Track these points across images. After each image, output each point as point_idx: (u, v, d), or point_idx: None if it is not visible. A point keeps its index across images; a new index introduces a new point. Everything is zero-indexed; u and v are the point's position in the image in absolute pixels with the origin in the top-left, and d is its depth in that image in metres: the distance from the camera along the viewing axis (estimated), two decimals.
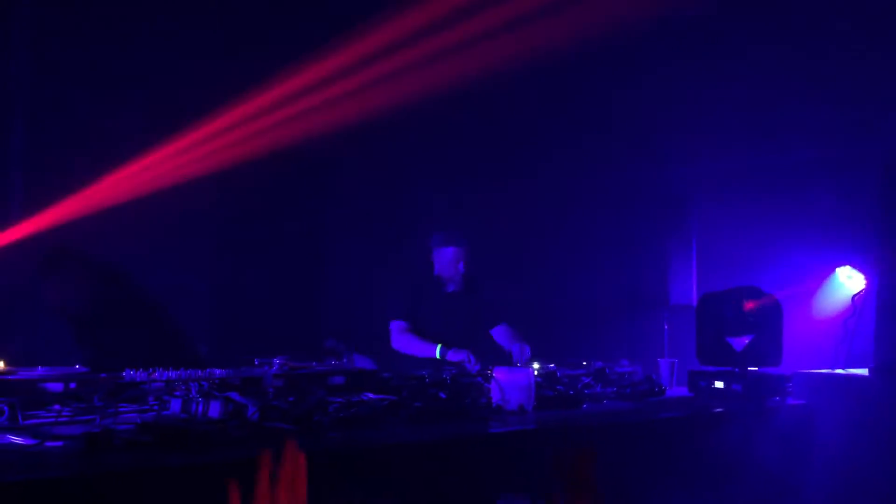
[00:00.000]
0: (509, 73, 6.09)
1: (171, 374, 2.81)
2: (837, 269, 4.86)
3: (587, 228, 6.10)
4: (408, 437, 2.66)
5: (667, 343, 5.34)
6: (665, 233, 5.82)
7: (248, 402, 2.50)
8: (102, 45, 5.30)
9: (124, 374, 2.78)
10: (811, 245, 5.06)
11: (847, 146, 5.09)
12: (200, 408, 2.48)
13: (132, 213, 5.30)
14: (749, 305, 3.78)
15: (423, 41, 5.82)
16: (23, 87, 5.31)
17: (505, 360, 4.15)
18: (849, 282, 4.80)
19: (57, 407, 2.63)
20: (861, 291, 4.62)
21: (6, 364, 2.96)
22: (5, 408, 2.45)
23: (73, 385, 2.71)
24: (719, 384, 3.74)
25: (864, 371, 4.12)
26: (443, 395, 3.00)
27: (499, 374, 3.14)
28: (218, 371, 2.88)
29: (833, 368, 4.37)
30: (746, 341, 3.80)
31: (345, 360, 4.18)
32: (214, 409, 2.47)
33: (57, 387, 2.69)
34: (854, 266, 4.77)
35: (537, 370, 3.48)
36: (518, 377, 3.13)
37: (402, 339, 4.46)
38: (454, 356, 4.18)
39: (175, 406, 2.57)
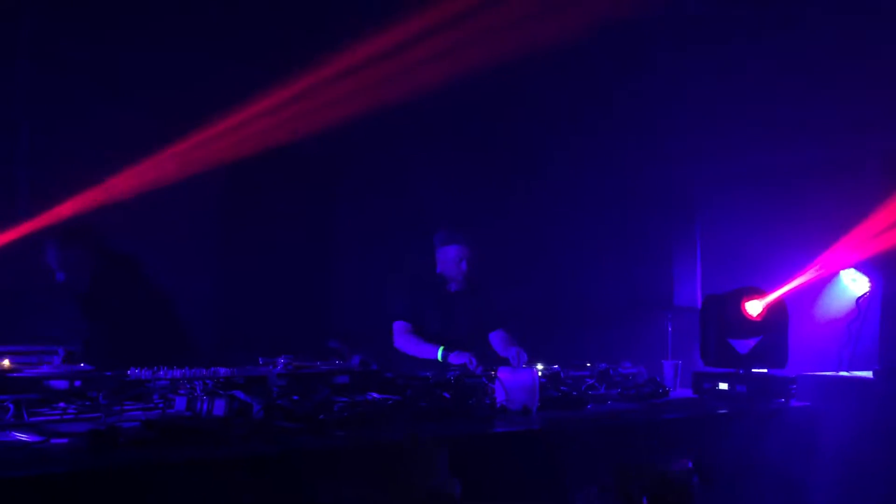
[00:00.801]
0: (513, 71, 6.10)
1: (176, 372, 2.82)
2: (842, 272, 4.86)
3: (591, 229, 6.09)
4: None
5: (671, 344, 5.33)
6: (669, 234, 5.81)
7: (252, 401, 2.50)
8: (108, 44, 5.30)
9: (129, 372, 2.79)
10: (815, 246, 5.05)
11: (853, 146, 5.08)
12: (205, 406, 2.49)
13: (138, 211, 5.30)
14: (754, 311, 3.77)
15: (429, 39, 5.83)
16: (28, 85, 5.32)
17: (506, 362, 4.13)
18: (853, 284, 4.79)
19: (62, 404, 2.64)
20: (866, 294, 4.62)
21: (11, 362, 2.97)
22: (11, 405, 2.46)
23: (78, 383, 2.72)
24: (723, 386, 3.74)
25: (868, 374, 4.12)
26: (447, 396, 3.00)
27: (503, 374, 3.14)
28: (222, 370, 2.89)
29: (837, 371, 4.37)
30: (751, 343, 3.80)
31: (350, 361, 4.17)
32: (219, 408, 2.47)
33: (62, 384, 2.70)
34: (858, 269, 4.77)
35: (541, 371, 3.47)
36: (522, 378, 3.13)
37: (405, 340, 4.45)
38: (456, 359, 4.15)
39: (180, 404, 2.57)
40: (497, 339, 4.53)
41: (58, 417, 2.55)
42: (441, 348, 4.24)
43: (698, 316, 4.04)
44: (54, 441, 2.21)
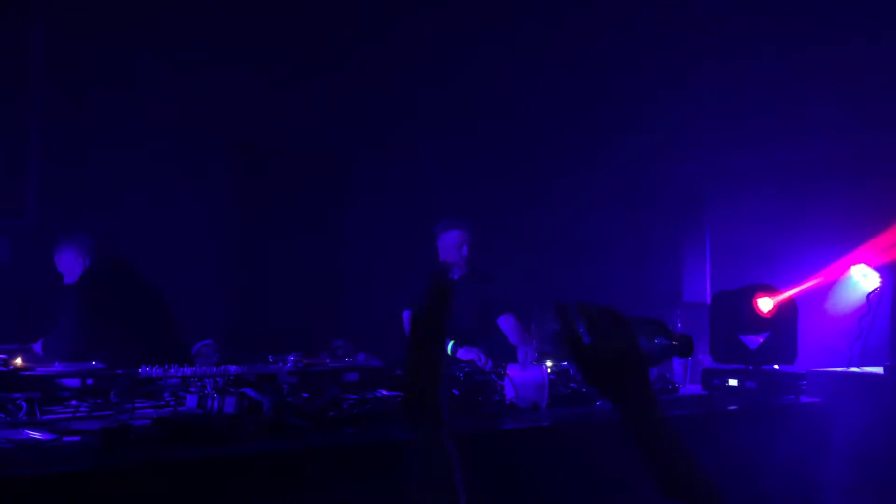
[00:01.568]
0: (524, 70, 6.10)
1: (187, 370, 2.84)
2: (852, 267, 4.84)
3: (600, 225, 6.08)
4: None
5: None
6: (679, 230, 5.80)
7: (263, 399, 2.51)
8: (118, 45, 5.32)
9: (140, 370, 2.81)
10: (825, 242, 5.03)
11: (862, 142, 5.06)
12: (216, 404, 2.50)
13: (149, 211, 5.34)
14: (766, 308, 3.76)
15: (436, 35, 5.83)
16: (39, 86, 5.35)
17: (515, 356, 4.13)
18: (864, 280, 4.77)
19: (74, 402, 2.66)
20: (876, 290, 4.61)
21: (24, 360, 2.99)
22: (24, 403, 2.47)
23: (90, 381, 2.74)
24: (733, 382, 3.72)
25: (878, 369, 4.11)
26: (456, 392, 3.01)
27: (512, 371, 3.14)
28: (233, 367, 2.90)
29: (848, 367, 4.35)
30: (760, 339, 3.78)
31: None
32: (230, 405, 2.48)
33: (74, 383, 2.73)
34: (869, 264, 4.75)
35: (550, 368, 3.47)
36: (531, 375, 3.14)
37: None
38: (465, 354, 4.15)
39: (191, 402, 2.59)
40: (507, 325, 4.52)
41: (70, 415, 2.57)
42: (451, 343, 4.23)
43: (707, 312, 4.04)
44: (67, 439, 2.23)
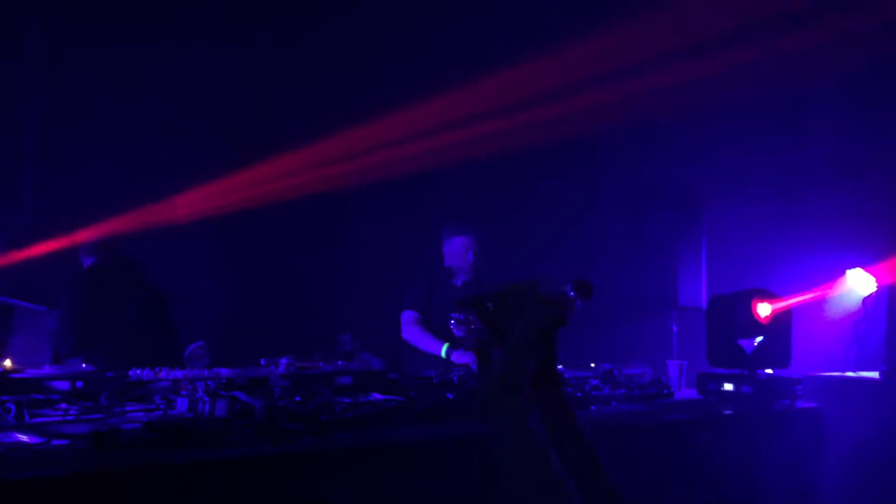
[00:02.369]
0: (520, 73, 6.08)
1: (178, 373, 2.82)
2: (848, 272, 4.83)
3: (596, 229, 6.07)
4: (416, 436, 2.64)
5: (676, 345, 5.30)
6: (675, 233, 5.79)
7: (254, 402, 2.49)
8: (114, 44, 5.31)
9: (131, 373, 2.79)
10: (822, 247, 5.02)
11: (859, 147, 5.05)
12: (207, 407, 2.48)
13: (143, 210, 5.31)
14: (764, 314, 3.74)
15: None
16: (35, 86, 5.33)
17: None
18: (860, 284, 4.76)
19: (64, 406, 2.64)
20: (872, 294, 4.59)
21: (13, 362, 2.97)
22: (12, 406, 2.45)
23: (79, 384, 2.72)
24: (729, 387, 3.71)
25: (874, 374, 4.10)
26: (450, 396, 2.99)
27: None
28: (224, 371, 2.88)
29: (844, 371, 4.34)
30: (756, 344, 3.77)
31: (358, 360, 4.16)
32: (221, 409, 2.47)
33: (64, 385, 2.70)
34: (865, 268, 4.74)
35: None
36: None
37: (412, 331, 4.43)
38: (459, 358, 4.14)
39: (182, 405, 2.57)
40: None
41: (59, 419, 2.54)
42: (446, 345, 4.22)
43: (703, 316, 4.02)
44: (56, 442, 2.21)
